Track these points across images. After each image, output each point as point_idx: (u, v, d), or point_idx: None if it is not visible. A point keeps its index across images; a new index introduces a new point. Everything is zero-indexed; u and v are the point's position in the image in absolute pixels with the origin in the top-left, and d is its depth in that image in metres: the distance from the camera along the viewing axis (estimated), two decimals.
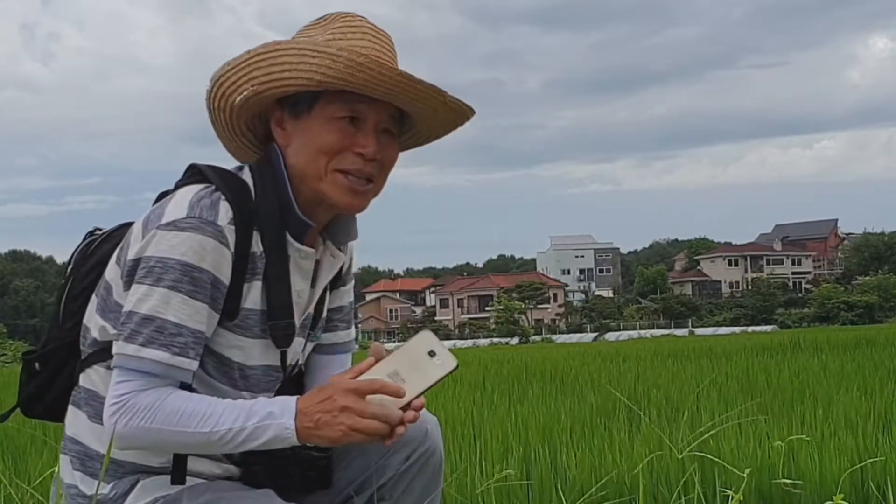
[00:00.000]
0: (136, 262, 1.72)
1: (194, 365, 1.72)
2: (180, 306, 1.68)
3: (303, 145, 1.79)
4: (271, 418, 1.67)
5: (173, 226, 1.70)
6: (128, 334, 1.68)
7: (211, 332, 1.75)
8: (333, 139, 1.76)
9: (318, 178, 1.78)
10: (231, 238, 1.72)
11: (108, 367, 1.78)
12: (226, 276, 1.73)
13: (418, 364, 1.72)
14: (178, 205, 1.73)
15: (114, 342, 1.71)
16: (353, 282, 2.08)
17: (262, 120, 1.85)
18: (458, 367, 1.73)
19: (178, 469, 1.79)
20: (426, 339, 1.75)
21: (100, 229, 1.98)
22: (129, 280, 1.73)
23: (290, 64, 1.71)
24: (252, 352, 1.82)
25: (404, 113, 1.83)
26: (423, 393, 1.71)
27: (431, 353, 1.73)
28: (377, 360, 1.73)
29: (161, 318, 1.67)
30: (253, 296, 1.79)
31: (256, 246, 1.78)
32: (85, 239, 1.96)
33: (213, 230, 1.70)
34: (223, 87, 1.78)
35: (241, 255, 1.75)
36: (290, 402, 1.70)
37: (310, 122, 1.77)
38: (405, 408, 1.69)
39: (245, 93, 1.75)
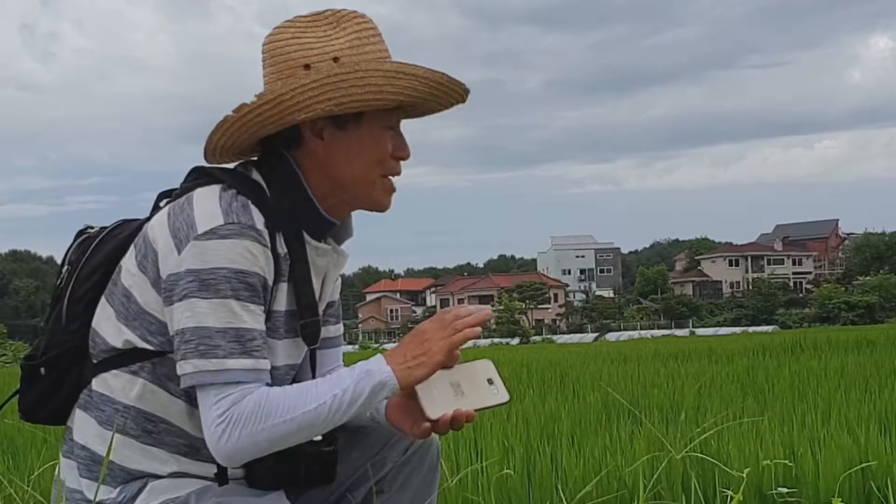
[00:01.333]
0: (179, 275, 1.70)
1: (269, 364, 1.75)
2: (245, 313, 1.70)
3: (355, 156, 1.81)
4: (368, 373, 1.72)
5: (213, 233, 1.69)
6: (204, 350, 1.67)
7: None
8: (388, 147, 1.83)
9: (371, 184, 1.84)
10: (268, 240, 1.74)
11: (132, 373, 1.78)
12: (271, 278, 1.76)
13: (478, 385, 1.83)
14: (209, 211, 1.72)
15: (183, 361, 1.69)
16: (341, 277, 2.09)
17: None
18: (510, 401, 1.85)
19: (221, 472, 1.80)
20: (488, 367, 1.88)
21: (91, 227, 1.96)
22: (170, 295, 1.71)
23: (376, 86, 1.74)
24: (277, 353, 1.83)
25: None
26: (478, 410, 1.80)
27: (490, 381, 1.85)
28: (442, 367, 1.82)
29: (234, 328, 1.68)
30: (279, 298, 1.80)
31: (281, 247, 1.79)
32: (77, 238, 1.94)
33: (255, 234, 1.71)
34: (282, 104, 1.74)
35: (274, 258, 1.76)
36: (377, 357, 1.77)
37: (360, 134, 1.80)
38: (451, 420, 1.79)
39: (316, 111, 1.74)
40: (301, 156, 1.82)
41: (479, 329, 1.78)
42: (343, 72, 1.74)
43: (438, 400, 1.79)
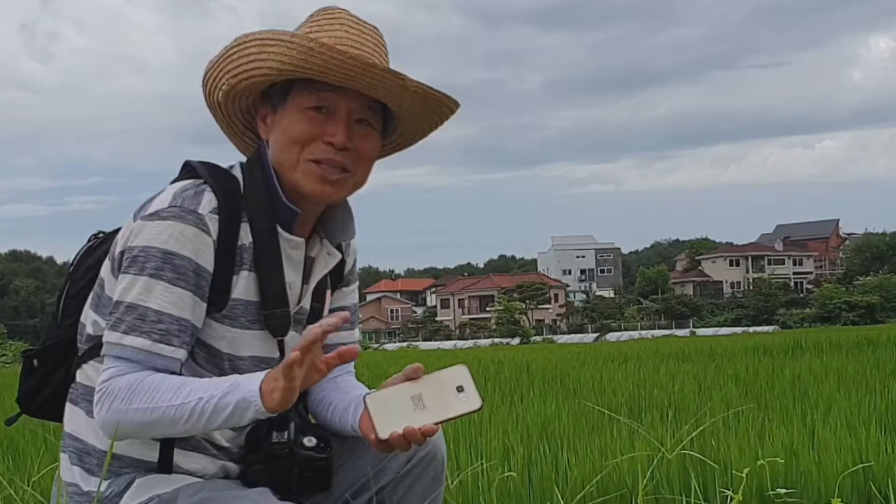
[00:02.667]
0: (122, 253, 1.76)
1: (179, 353, 1.73)
2: (162, 294, 1.70)
3: (277, 136, 1.82)
4: (238, 388, 1.66)
5: (156, 216, 1.73)
6: (113, 323, 1.71)
7: (200, 321, 1.76)
8: (302, 128, 1.79)
9: (293, 167, 1.81)
10: (213, 226, 1.74)
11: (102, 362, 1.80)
12: (208, 263, 1.74)
13: (444, 395, 1.74)
14: (164, 197, 1.76)
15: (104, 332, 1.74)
16: (356, 283, 2.08)
17: (253, 116, 1.90)
18: (481, 408, 1.74)
19: (164, 459, 1.80)
20: (460, 373, 1.77)
21: (103, 232, 2.00)
22: (118, 272, 1.76)
23: (253, 55, 1.75)
24: (240, 342, 1.82)
25: (387, 107, 1.84)
26: (440, 423, 1.72)
27: (460, 389, 1.75)
28: (407, 379, 1.76)
29: (143, 306, 1.70)
30: (241, 286, 1.80)
31: (245, 237, 1.79)
32: (88, 242, 1.99)
33: (193, 218, 1.73)
34: (208, 85, 1.83)
35: (228, 246, 1.77)
36: (260, 373, 1.68)
37: (283, 114, 1.81)
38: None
39: (223, 88, 1.79)
40: (267, 142, 1.86)
41: (298, 355, 1.59)
42: (234, 45, 1.77)
43: (392, 416, 1.73)
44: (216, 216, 1.75)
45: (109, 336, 1.71)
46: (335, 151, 1.79)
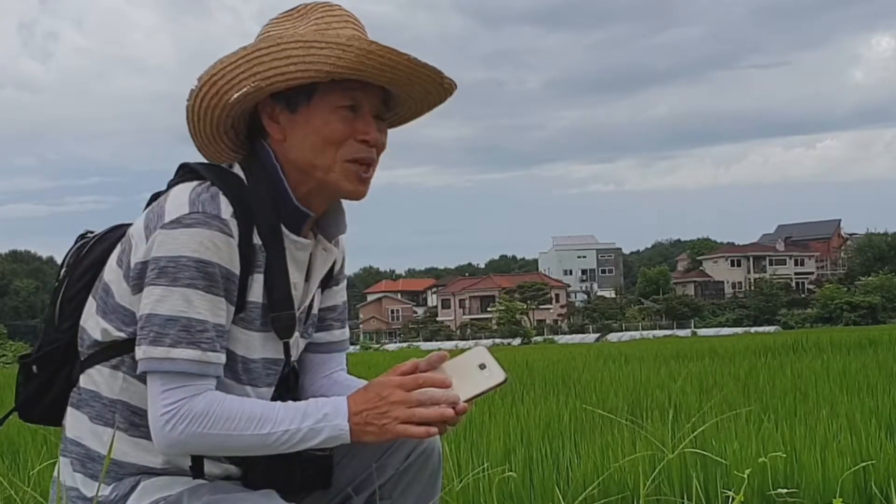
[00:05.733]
0: (145, 264, 1.71)
1: (222, 358, 1.73)
2: (200, 303, 1.68)
3: (306, 137, 1.78)
4: (326, 420, 1.71)
5: (178, 223, 1.69)
6: (153, 337, 1.67)
7: (229, 325, 1.75)
8: (339, 128, 1.77)
9: (328, 168, 1.78)
10: (235, 231, 1.73)
11: (113, 367, 1.79)
12: (236, 268, 1.73)
13: (468, 374, 1.79)
14: (178, 202, 1.72)
15: (137, 347, 1.70)
16: (345, 281, 2.08)
17: (244, 118, 1.84)
18: (507, 380, 1.79)
19: (196, 466, 1.80)
20: (479, 353, 1.82)
21: (91, 232, 1.98)
22: (137, 283, 1.72)
23: (296, 57, 1.70)
24: (253, 345, 1.82)
25: (390, 95, 1.83)
26: (469, 400, 1.76)
27: (482, 367, 1.79)
28: (428, 369, 1.79)
29: (185, 317, 1.67)
30: (255, 289, 1.79)
31: (256, 239, 1.78)
32: (77, 241, 1.96)
33: (218, 224, 1.70)
34: (217, 84, 1.76)
35: (245, 248, 1.75)
36: (341, 403, 1.73)
37: (310, 114, 1.77)
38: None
39: (245, 89, 1.74)
40: (274, 144, 1.82)
41: (428, 412, 1.71)
42: (266, 45, 1.73)
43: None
44: (235, 220, 1.73)
45: (152, 351, 1.67)
46: (367, 149, 1.80)
